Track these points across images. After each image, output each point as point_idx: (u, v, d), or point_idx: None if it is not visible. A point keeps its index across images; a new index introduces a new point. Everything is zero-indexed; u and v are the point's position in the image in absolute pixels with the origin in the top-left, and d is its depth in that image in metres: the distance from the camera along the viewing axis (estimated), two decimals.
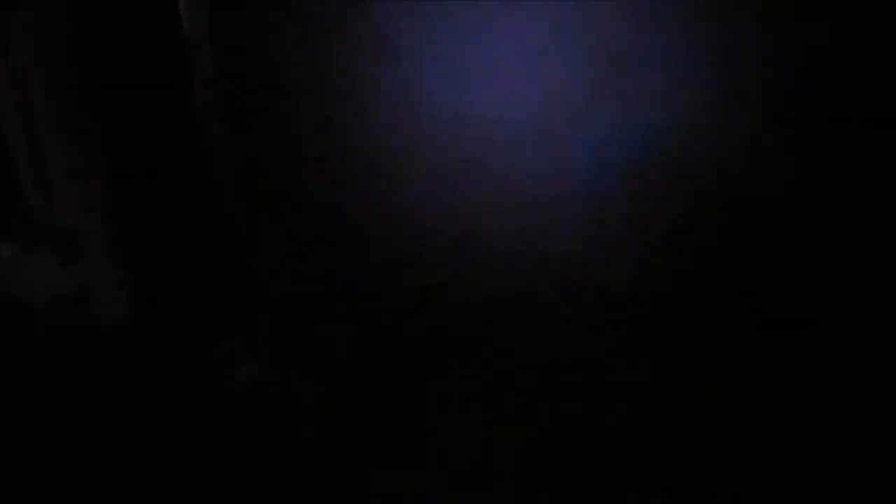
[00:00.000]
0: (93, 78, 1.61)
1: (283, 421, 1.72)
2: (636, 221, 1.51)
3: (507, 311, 1.65)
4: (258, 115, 1.68)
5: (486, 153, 1.57)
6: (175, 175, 1.73)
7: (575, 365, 1.62)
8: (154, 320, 1.73)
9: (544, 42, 1.47)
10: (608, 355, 1.60)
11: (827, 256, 1.41)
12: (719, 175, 1.43)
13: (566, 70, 1.47)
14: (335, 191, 1.70)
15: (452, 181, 1.61)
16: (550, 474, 1.66)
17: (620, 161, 1.50)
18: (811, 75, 1.33)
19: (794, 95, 1.35)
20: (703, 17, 1.35)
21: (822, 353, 1.46)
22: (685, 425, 1.58)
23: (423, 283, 1.67)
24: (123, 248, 1.69)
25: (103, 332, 1.72)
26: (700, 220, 1.47)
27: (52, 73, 1.59)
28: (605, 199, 1.52)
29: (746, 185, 1.42)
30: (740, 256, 1.46)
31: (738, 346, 1.51)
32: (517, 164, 1.56)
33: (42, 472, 1.63)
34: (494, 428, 1.67)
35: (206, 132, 1.70)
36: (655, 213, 1.50)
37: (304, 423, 1.70)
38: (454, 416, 1.69)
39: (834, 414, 1.48)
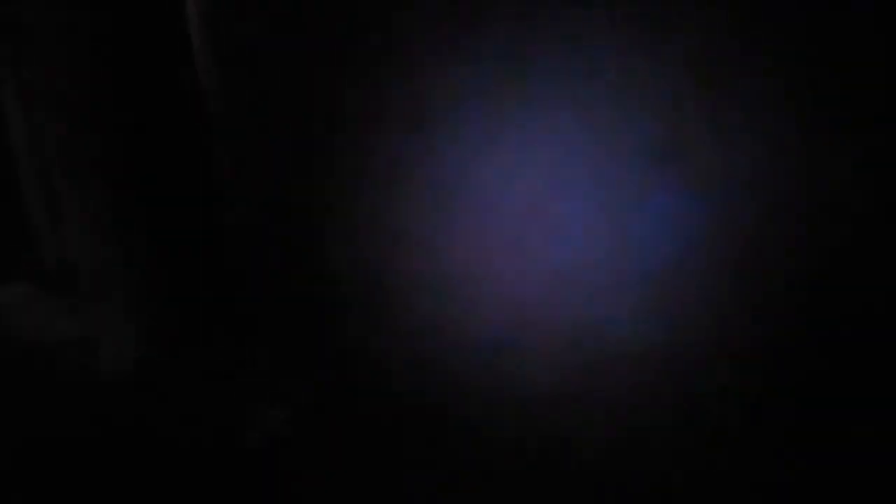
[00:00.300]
0: (106, 120, 1.60)
1: (295, 482, 1.70)
2: (703, 304, 1.44)
3: (561, 409, 1.58)
4: (278, 185, 1.64)
5: (533, 230, 1.49)
6: (190, 220, 1.71)
7: (643, 470, 1.56)
8: (165, 369, 1.71)
9: (603, 111, 1.39)
10: (680, 458, 1.54)
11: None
12: (790, 251, 1.37)
13: (627, 140, 1.40)
14: (365, 273, 1.65)
15: (494, 265, 1.52)
16: None
17: (684, 238, 1.42)
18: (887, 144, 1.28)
19: (867, 162, 1.29)
20: (773, 85, 1.31)
21: None
22: None
23: (467, 375, 1.61)
24: (135, 294, 1.67)
25: (112, 379, 1.69)
26: (774, 298, 1.39)
27: (66, 118, 1.58)
28: (668, 281, 1.44)
29: (819, 259, 1.36)
30: (823, 338, 1.40)
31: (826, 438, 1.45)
32: (568, 243, 1.46)
33: None
34: None
35: (222, 177, 1.68)
36: (723, 294, 1.42)
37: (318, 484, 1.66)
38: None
39: None
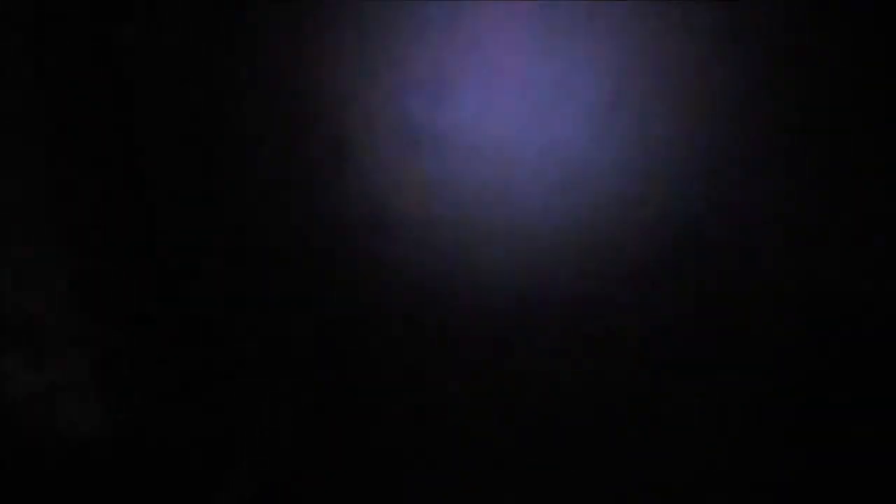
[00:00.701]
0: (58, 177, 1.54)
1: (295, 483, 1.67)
2: (702, 304, 1.44)
3: (559, 408, 1.57)
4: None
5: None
6: (154, 276, 1.65)
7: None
8: (129, 431, 1.66)
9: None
10: (680, 458, 1.54)
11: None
12: (789, 253, 1.37)
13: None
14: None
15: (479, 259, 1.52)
16: None
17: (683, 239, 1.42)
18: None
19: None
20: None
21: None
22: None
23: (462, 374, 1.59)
24: (95, 352, 1.62)
25: (72, 441, 1.63)
26: (774, 299, 1.40)
27: (17, 174, 1.53)
28: (667, 280, 1.44)
29: (818, 260, 1.36)
30: (823, 339, 1.40)
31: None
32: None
33: None
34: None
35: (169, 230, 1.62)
36: (722, 295, 1.43)
37: None
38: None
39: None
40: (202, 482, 1.69)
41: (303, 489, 1.73)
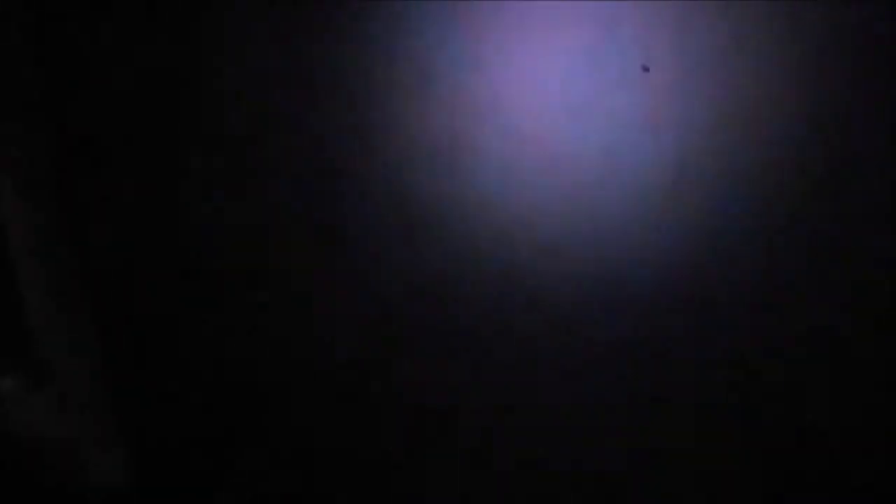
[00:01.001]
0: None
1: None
2: (703, 303, 1.34)
3: (559, 420, 1.50)
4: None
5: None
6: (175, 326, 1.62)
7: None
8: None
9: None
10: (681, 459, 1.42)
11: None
12: (787, 252, 1.30)
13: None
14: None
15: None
16: None
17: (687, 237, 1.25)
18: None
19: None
20: None
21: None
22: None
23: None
24: (119, 398, 1.59)
25: (94, 490, 1.60)
26: (774, 296, 1.32)
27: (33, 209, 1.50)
28: (670, 278, 1.30)
29: (817, 259, 1.26)
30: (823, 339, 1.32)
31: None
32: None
33: None
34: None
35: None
36: (723, 295, 1.34)
37: None
38: None
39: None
40: (202, 482, 1.70)
41: (303, 489, 1.73)
